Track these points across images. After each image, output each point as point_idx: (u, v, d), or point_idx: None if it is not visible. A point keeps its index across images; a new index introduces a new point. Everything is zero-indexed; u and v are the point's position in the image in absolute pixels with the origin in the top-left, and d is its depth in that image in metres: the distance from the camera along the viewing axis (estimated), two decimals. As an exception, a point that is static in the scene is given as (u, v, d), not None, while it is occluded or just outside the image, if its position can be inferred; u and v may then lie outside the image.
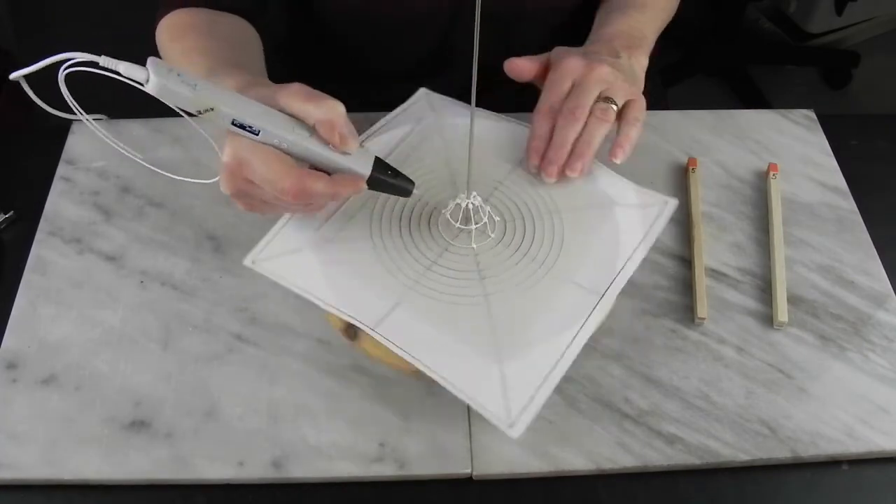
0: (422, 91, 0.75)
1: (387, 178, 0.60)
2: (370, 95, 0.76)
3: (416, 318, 0.59)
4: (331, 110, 0.57)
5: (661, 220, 0.64)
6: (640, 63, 0.72)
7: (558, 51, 0.70)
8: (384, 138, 0.70)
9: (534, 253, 0.64)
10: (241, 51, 0.71)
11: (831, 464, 0.60)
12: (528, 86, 0.72)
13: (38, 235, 0.70)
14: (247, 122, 0.55)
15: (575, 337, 0.58)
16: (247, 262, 0.61)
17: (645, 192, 0.67)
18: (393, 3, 0.78)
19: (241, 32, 0.75)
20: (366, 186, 0.60)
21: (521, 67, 0.70)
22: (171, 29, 0.73)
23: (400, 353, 0.57)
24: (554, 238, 0.64)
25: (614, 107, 0.66)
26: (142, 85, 0.53)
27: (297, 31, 0.90)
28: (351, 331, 0.60)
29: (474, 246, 0.64)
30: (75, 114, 0.58)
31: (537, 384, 0.56)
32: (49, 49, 0.63)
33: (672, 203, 0.65)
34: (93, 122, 0.60)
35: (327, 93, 0.62)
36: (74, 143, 0.77)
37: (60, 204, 0.72)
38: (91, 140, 0.77)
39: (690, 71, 1.96)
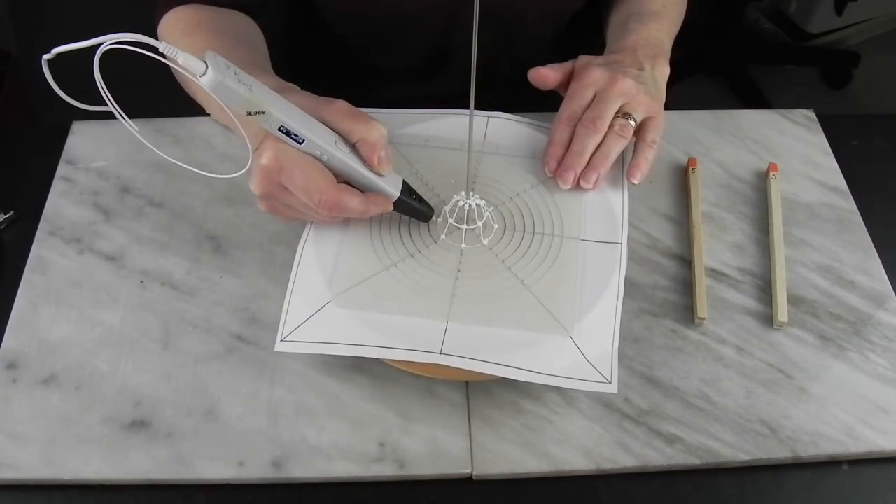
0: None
1: (411, 202, 0.62)
2: (370, 94, 0.76)
3: (472, 327, 0.60)
4: (375, 131, 0.59)
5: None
6: (663, 73, 0.73)
7: (583, 60, 0.71)
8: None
9: (539, 228, 0.65)
10: (254, 51, 0.72)
11: (831, 464, 0.60)
12: (525, 85, 0.72)
13: (38, 235, 0.70)
14: (294, 129, 0.56)
15: (619, 288, 0.61)
16: (277, 347, 0.59)
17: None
18: (392, 3, 0.79)
19: (248, 31, 0.76)
20: (392, 207, 0.61)
21: (544, 76, 0.71)
22: (178, 26, 0.73)
23: (478, 366, 0.58)
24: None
25: (633, 123, 0.67)
26: (196, 77, 0.52)
27: (296, 29, 0.90)
28: None
29: (485, 242, 0.64)
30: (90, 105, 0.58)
31: (611, 338, 0.59)
32: (44, 49, 0.63)
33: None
34: (122, 113, 0.60)
35: (327, 92, 0.62)
36: (74, 143, 0.77)
37: (60, 204, 0.72)
38: (91, 140, 0.77)
39: (690, 71, 1.96)
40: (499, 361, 0.58)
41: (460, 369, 0.58)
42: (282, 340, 0.59)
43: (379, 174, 0.60)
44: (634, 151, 0.68)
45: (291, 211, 0.61)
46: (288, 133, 0.56)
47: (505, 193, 0.68)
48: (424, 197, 0.64)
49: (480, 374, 0.58)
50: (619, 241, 0.65)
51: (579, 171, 0.66)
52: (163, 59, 0.52)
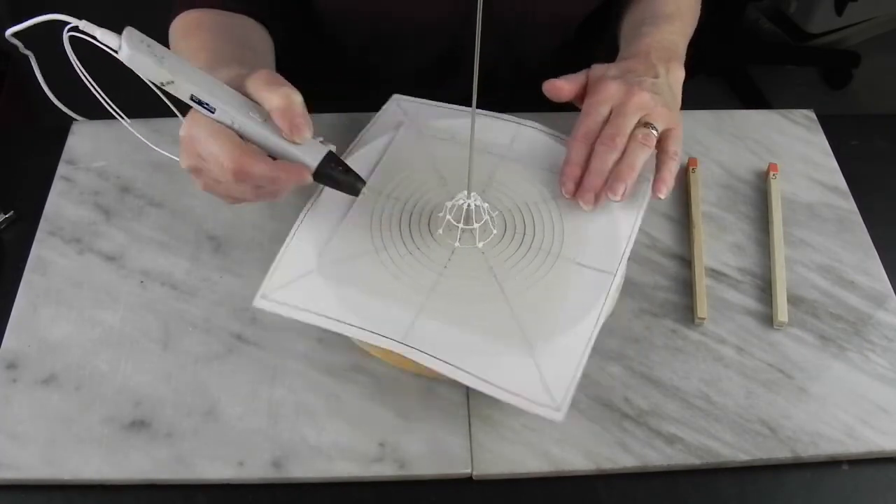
0: (393, 98, 0.74)
1: (335, 173, 0.60)
2: (376, 100, 0.76)
3: (441, 324, 0.59)
4: (286, 98, 0.57)
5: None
6: (677, 77, 0.71)
7: (596, 70, 0.69)
8: (366, 150, 0.70)
9: (538, 243, 0.64)
10: (249, 51, 0.71)
11: (831, 464, 0.60)
12: (526, 86, 0.72)
13: (38, 235, 0.70)
14: (203, 98, 0.56)
15: (598, 318, 0.59)
16: (256, 303, 0.59)
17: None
18: (402, 12, 0.78)
19: (252, 33, 0.75)
20: (311, 178, 0.59)
21: (559, 88, 0.69)
22: (181, 27, 0.73)
23: (433, 363, 0.57)
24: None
25: (655, 132, 0.65)
26: (115, 52, 0.54)
27: (303, 36, 0.90)
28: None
29: (479, 245, 0.64)
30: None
31: (574, 367, 0.57)
32: (49, 50, 0.63)
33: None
34: (108, 102, 0.60)
35: (332, 97, 0.61)
36: (74, 143, 0.77)
37: (60, 204, 0.72)
38: (91, 140, 0.77)
39: (690, 71, 1.96)
40: (455, 363, 0.57)
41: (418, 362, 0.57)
42: (262, 297, 0.59)
43: (293, 142, 0.58)
44: (658, 165, 0.66)
45: (219, 186, 0.59)
46: (200, 103, 0.56)
47: (513, 201, 0.67)
48: (435, 193, 0.63)
49: (434, 371, 0.57)
50: (613, 272, 0.62)
51: (599, 190, 0.64)
52: (86, 37, 0.54)
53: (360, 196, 0.62)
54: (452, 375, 0.56)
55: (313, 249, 0.62)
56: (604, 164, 0.64)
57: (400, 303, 0.60)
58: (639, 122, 0.65)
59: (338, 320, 0.58)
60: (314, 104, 0.63)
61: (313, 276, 0.61)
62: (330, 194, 0.65)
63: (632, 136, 0.65)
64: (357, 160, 0.69)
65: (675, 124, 0.67)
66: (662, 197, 0.65)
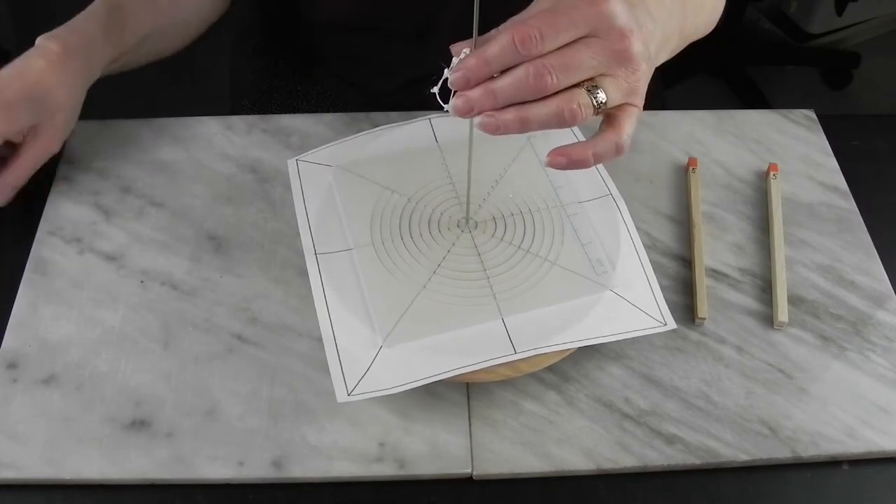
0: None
1: None
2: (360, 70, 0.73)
3: (526, 314, 0.61)
4: None
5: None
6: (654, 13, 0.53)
7: None
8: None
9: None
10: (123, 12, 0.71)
11: (831, 464, 0.60)
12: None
13: (38, 235, 0.70)
14: None
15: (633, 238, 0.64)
16: (341, 400, 0.57)
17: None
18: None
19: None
20: None
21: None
22: None
23: (559, 348, 0.59)
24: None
25: (595, 104, 0.48)
26: None
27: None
28: None
29: (471, 228, 0.64)
30: None
31: (649, 286, 0.63)
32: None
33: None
34: None
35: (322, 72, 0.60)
36: (74, 143, 0.77)
37: (60, 204, 0.72)
38: (91, 140, 0.77)
39: (690, 71, 1.96)
40: (569, 339, 0.59)
41: (532, 359, 0.58)
42: (348, 395, 0.57)
43: None
44: (590, 139, 0.51)
45: None
46: None
47: (486, 183, 0.68)
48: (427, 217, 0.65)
49: (559, 353, 0.59)
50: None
51: (484, 112, 0.48)
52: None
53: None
54: (577, 346, 0.59)
55: (364, 327, 0.60)
56: (510, 94, 0.47)
57: (481, 321, 0.60)
58: (589, 80, 0.48)
59: (444, 370, 0.58)
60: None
61: (386, 349, 0.59)
62: (328, 264, 0.64)
63: (566, 92, 0.47)
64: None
65: (636, 98, 0.50)
66: (549, 166, 0.51)
